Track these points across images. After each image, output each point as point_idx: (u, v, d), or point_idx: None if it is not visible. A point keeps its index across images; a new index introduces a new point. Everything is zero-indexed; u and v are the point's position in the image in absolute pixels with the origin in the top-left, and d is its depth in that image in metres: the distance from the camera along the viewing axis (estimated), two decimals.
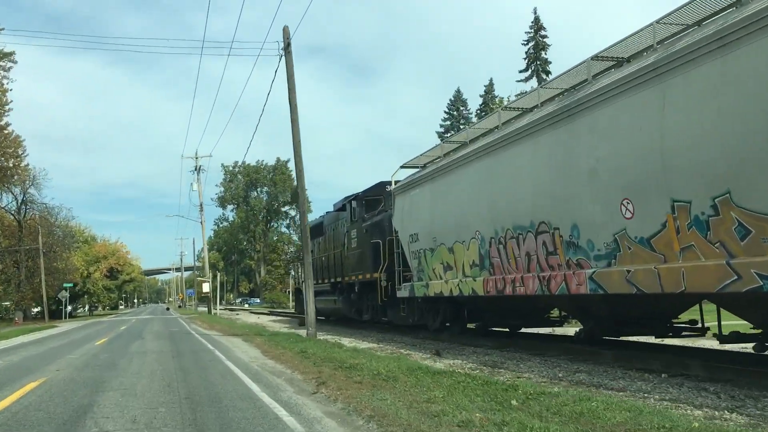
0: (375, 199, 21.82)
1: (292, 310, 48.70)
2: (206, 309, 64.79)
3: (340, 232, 26.14)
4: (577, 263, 9.47)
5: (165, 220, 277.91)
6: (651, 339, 11.18)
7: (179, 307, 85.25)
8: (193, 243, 73.21)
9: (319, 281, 28.81)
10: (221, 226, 74.64)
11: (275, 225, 73.05)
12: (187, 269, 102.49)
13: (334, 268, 25.92)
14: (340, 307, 24.98)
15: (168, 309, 72.76)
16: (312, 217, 76.02)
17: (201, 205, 45.99)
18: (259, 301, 72.40)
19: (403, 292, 17.24)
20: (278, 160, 70.30)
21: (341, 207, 24.51)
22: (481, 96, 55.54)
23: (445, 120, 57.39)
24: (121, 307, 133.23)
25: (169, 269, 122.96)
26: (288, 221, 72.71)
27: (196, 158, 45.99)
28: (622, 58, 9.33)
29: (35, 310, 53.75)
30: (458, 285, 13.63)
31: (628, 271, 8.17)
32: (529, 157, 10.63)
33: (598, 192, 8.74)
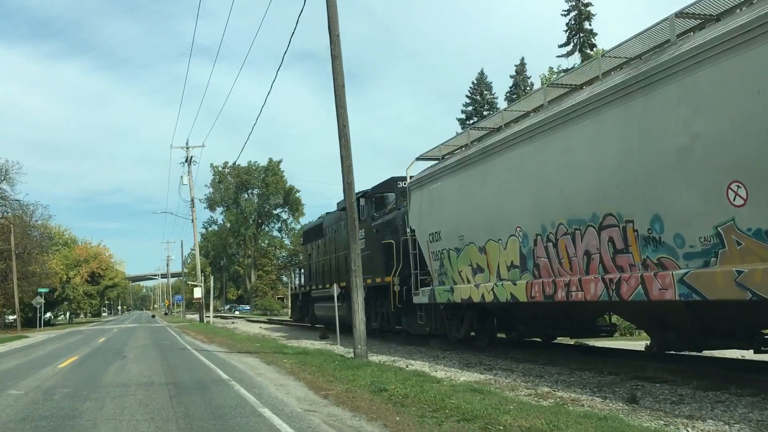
0: (385, 196, 20.33)
1: (287, 318, 47.05)
2: (196, 316, 62.76)
3: (344, 234, 24.57)
4: (658, 263, 8.00)
5: (151, 225, 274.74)
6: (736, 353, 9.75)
7: (165, 314, 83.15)
8: (181, 246, 71.00)
9: (320, 286, 27.27)
10: (210, 229, 72.69)
11: (266, 228, 71.22)
12: (173, 275, 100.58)
13: (337, 272, 24.37)
14: (344, 314, 23.41)
15: (154, 316, 70.85)
16: (304, 221, 74.55)
17: (192, 200, 42.22)
18: (248, 308, 70.59)
19: (421, 298, 15.74)
20: (270, 160, 68.37)
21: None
22: (511, 77, 50.03)
23: (466, 105, 51.76)
24: (104, 314, 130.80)
25: (155, 276, 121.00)
26: (280, 224, 71.03)
27: (187, 148, 42.06)
28: (711, 15, 7.90)
29: (11, 317, 51.26)
30: (492, 290, 12.14)
31: (739, 272, 6.70)
32: (590, 137, 9.17)
33: (692, 175, 7.28)
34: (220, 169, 66.37)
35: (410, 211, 16.37)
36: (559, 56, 45.45)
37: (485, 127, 13.77)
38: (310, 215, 73.77)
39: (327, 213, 28.75)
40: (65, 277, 56.05)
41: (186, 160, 42.16)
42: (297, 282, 34.49)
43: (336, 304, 24.45)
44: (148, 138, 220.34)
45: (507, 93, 49.83)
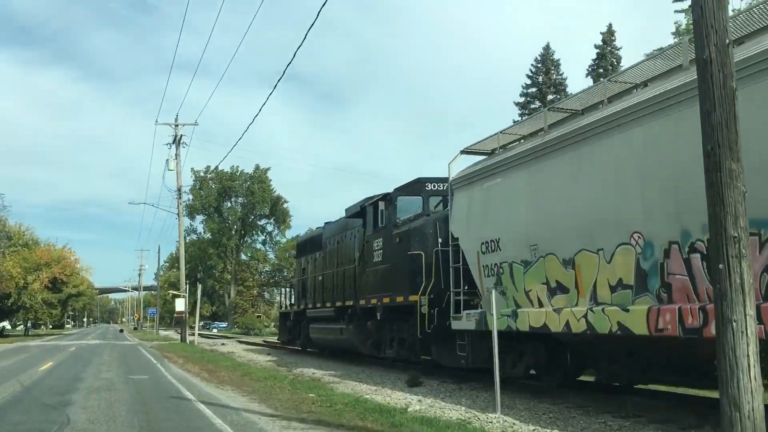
0: (411, 200, 17.51)
1: (271, 338, 43.72)
2: (171, 332, 58.43)
3: (351, 245, 21.72)
4: None
5: (122, 237, 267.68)
6: None
7: (135, 329, 79.02)
8: (158, 252, 66.14)
9: (317, 305, 24.30)
10: (189, 238, 68.94)
11: (249, 240, 67.68)
12: (145, 288, 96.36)
13: (342, 289, 21.43)
14: (349, 338, 20.43)
15: (122, 331, 66.80)
16: (290, 234, 71.17)
17: (180, 189, 36.32)
18: (225, 325, 66.90)
19: (464, 323, 12.89)
20: (257, 167, 64.83)
21: (357, 212, 20.10)
22: (597, 47, 40.62)
23: (527, 87, 43.15)
24: (68, 326, 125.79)
25: (125, 288, 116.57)
26: (264, 237, 67.47)
27: (176, 125, 35.75)
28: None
29: None
30: (585, 317, 9.33)
31: None
32: None
33: None
34: (202, 174, 63.14)
35: (453, 214, 13.59)
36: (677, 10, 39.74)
37: (566, 109, 11.09)
38: (295, 231, 70.99)
39: (327, 223, 25.87)
40: (22, 282, 51.17)
41: (174, 141, 36.31)
42: (287, 300, 31.44)
43: (340, 327, 21.59)
44: (126, 151, 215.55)
45: (589, 69, 40.92)
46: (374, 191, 21.05)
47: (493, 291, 9.15)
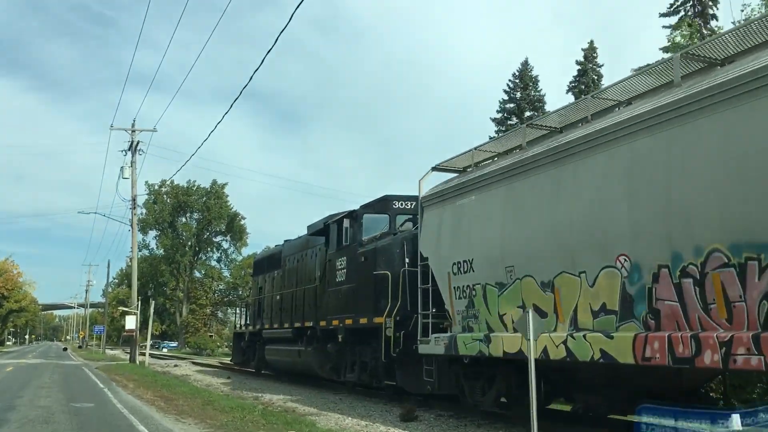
0: (377, 218, 16.97)
1: (225, 358, 42.34)
2: (118, 352, 55.95)
3: (312, 263, 21.04)
4: None
5: (69, 252, 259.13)
6: None
7: (79, 347, 76.01)
8: (108, 267, 63.28)
9: (274, 325, 23.46)
10: (140, 254, 66.71)
11: (204, 257, 65.80)
12: (92, 306, 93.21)
13: (302, 309, 20.68)
14: (308, 361, 19.66)
15: (66, 350, 64.02)
16: (247, 252, 69.60)
17: (134, 199, 33.82)
18: (176, 344, 64.74)
19: (432, 347, 12.34)
20: (214, 182, 63.09)
21: (320, 229, 19.45)
22: (579, 63, 39.11)
23: (504, 103, 41.31)
24: (9, 342, 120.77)
25: (71, 305, 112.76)
26: (220, 254, 65.64)
27: (133, 131, 33.60)
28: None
29: None
30: (564, 343, 8.88)
31: None
32: None
33: None
34: (157, 187, 61.35)
35: (423, 232, 13.08)
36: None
37: (545, 126, 10.75)
38: (252, 249, 69.39)
39: (286, 240, 25.15)
40: None
41: (130, 147, 34.12)
42: (242, 320, 30.43)
43: (298, 348, 20.78)
44: (76, 164, 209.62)
45: (571, 86, 39.42)
46: (331, 211, 20.45)
47: (530, 310, 8.36)
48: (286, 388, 20.00)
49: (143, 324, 34.63)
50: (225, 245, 64.26)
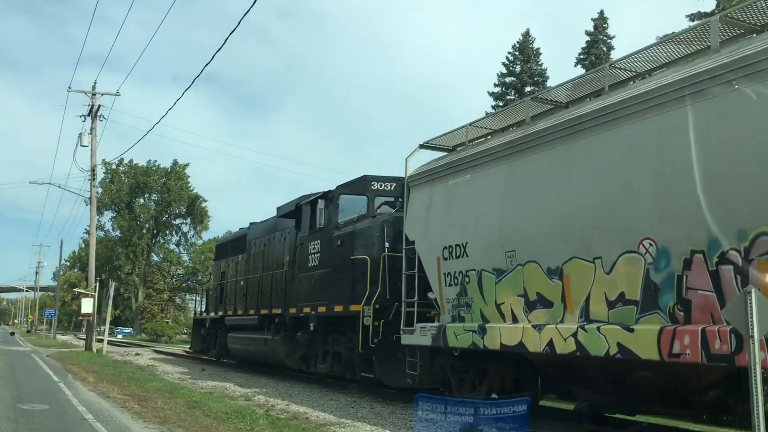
0: (355, 200, 16.00)
1: (183, 345, 40.90)
2: (69, 337, 53.65)
3: (281, 247, 19.98)
4: None
5: (18, 231, 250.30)
6: None
7: (28, 332, 73.24)
8: (60, 246, 60.28)
9: (239, 312, 22.35)
10: (95, 236, 63.98)
11: (162, 240, 63.62)
12: (42, 289, 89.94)
13: (269, 295, 19.62)
14: (274, 350, 18.61)
15: (13, 334, 61.37)
16: (208, 236, 67.60)
17: (93, 169, 30.68)
18: (130, 331, 62.67)
19: (417, 338, 11.48)
20: (175, 162, 60.87)
21: (291, 211, 18.38)
22: (588, 34, 36.72)
23: (503, 76, 38.34)
24: None
25: (20, 288, 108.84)
26: (179, 237, 63.41)
27: (93, 95, 30.31)
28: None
29: None
30: (574, 336, 8.09)
31: None
32: None
33: None
34: (114, 166, 58.95)
35: (409, 214, 12.19)
36: None
37: (549, 101, 9.94)
38: (212, 234, 67.45)
39: (252, 223, 24.00)
40: None
41: (90, 112, 30.73)
42: (202, 306, 29.17)
43: (264, 337, 19.73)
44: (27, 142, 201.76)
45: (578, 57, 36.95)
46: (292, 197, 19.33)
47: (754, 290, 5.37)
48: (278, 384, 17.25)
49: (99, 308, 32.26)
50: (185, 228, 62.45)
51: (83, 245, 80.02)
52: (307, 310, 16.32)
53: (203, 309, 28.74)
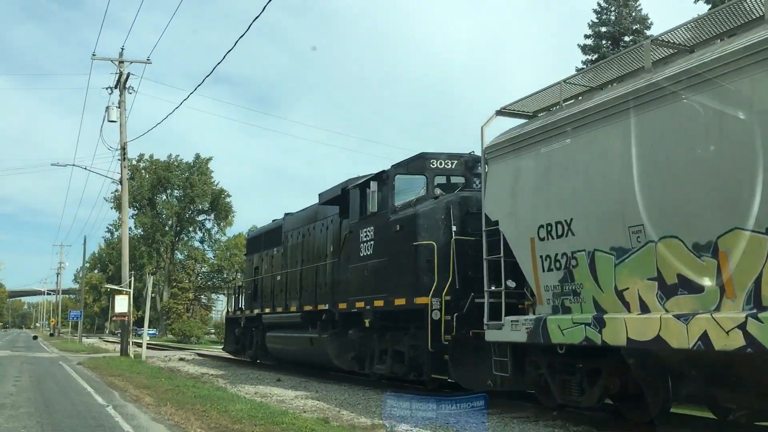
0: (411, 180, 14.44)
1: (214, 347, 39.62)
2: (94, 340, 52.29)
3: (322, 237, 18.53)
4: None
5: (37, 236, 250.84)
6: None
7: (51, 335, 72.69)
8: (84, 244, 56.69)
9: (278, 309, 20.94)
10: (116, 234, 62.54)
11: (186, 238, 62.33)
12: (63, 292, 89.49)
13: (313, 290, 18.18)
14: (322, 350, 17.14)
15: (36, 338, 60.67)
16: (232, 232, 66.20)
17: (124, 147, 26.95)
18: (155, 332, 61.75)
19: (506, 333, 9.89)
20: (197, 156, 59.37)
21: (336, 197, 16.85)
22: None
23: (595, 26, 32.82)
24: None
25: (40, 291, 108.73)
26: (203, 234, 61.98)
27: (121, 62, 26.87)
28: None
29: None
30: (742, 327, 6.45)
31: None
32: None
33: None
34: (134, 162, 57.73)
35: (490, 190, 10.61)
36: None
37: (675, 43, 8.28)
38: (234, 230, 66.03)
39: (287, 214, 22.57)
40: None
41: (117, 83, 27.23)
42: (235, 304, 27.80)
43: (310, 335, 18.25)
44: (45, 147, 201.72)
45: None
46: (308, 196, 17.91)
47: None
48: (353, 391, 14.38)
49: (147, 304, 29.01)
50: (208, 225, 61.14)
51: (104, 245, 79.34)
52: (360, 304, 14.81)
53: (236, 307, 27.41)
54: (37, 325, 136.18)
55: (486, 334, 10.41)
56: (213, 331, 59.44)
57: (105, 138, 36.75)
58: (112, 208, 56.16)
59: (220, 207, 58.70)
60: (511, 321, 9.79)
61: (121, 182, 27.76)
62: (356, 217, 15.52)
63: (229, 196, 58.94)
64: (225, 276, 63.99)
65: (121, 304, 26.62)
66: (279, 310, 20.58)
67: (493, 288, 10.42)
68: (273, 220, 25.10)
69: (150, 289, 27.51)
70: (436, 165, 14.24)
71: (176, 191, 57.74)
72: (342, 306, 15.79)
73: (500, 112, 10.96)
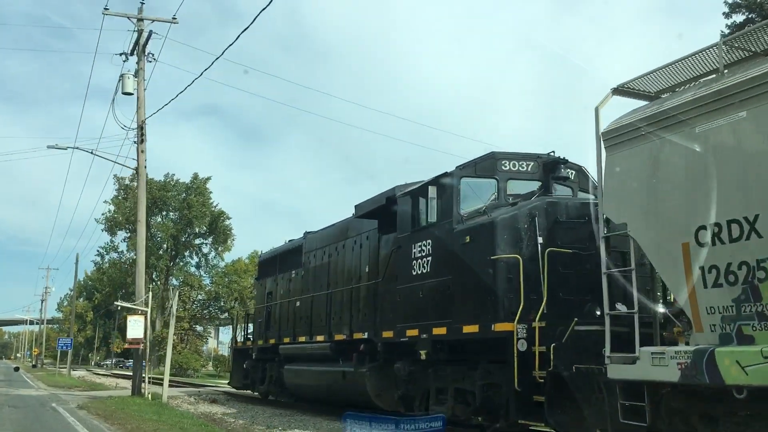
0: (479, 185, 12.30)
1: (219, 381, 36.87)
2: (84, 374, 48.41)
3: (354, 255, 16.41)
4: None
5: (19, 264, 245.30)
6: None
7: (33, 366, 69.47)
8: (76, 262, 52.05)
9: (298, 339, 18.64)
10: (107, 258, 59.60)
11: (181, 263, 59.43)
12: (42, 322, 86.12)
13: (347, 315, 15.92)
14: (358, 386, 14.80)
15: (17, 369, 57.53)
16: (230, 258, 63.20)
17: (142, 127, 22.01)
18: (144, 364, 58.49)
19: (642, 369, 7.68)
20: (195, 176, 56.74)
21: (379, 207, 14.67)
22: None
23: None
24: None
25: (24, 320, 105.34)
26: (199, 259, 58.98)
27: (140, 20, 22.03)
28: None
29: None
30: None
31: None
32: None
33: None
34: (127, 182, 55.09)
35: (610, 186, 8.50)
36: None
37: None
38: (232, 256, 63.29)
39: (308, 232, 20.46)
40: None
41: (135, 47, 22.30)
42: (242, 333, 25.38)
43: (342, 369, 15.92)
44: (31, 178, 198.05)
45: None
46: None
47: None
48: None
49: (171, 327, 22.96)
50: (205, 249, 58.34)
51: (92, 271, 76.42)
52: (412, 333, 12.60)
53: (244, 336, 25.03)
54: (18, 355, 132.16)
55: (608, 369, 8.18)
56: (212, 363, 56.73)
57: (115, 119, 28.99)
58: (103, 230, 53.65)
59: (218, 230, 56.17)
60: (652, 354, 7.59)
61: (137, 171, 23.26)
62: (407, 229, 13.37)
63: (228, 218, 56.46)
64: (222, 305, 61.30)
65: (135, 327, 20.93)
66: (301, 339, 18.28)
67: (615, 310, 8.26)
68: (288, 240, 22.90)
69: (175, 307, 21.82)
70: (509, 167, 12.17)
71: (172, 213, 55.30)
72: (387, 334, 13.56)
73: (618, 90, 8.93)
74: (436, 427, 7.20)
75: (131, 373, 24.74)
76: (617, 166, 8.39)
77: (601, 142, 8.65)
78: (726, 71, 7.53)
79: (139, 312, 21.51)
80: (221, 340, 70.10)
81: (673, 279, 7.52)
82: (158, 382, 21.81)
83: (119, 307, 36.96)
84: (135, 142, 22.35)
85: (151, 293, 22.91)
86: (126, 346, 24.15)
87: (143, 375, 21.40)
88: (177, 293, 23.71)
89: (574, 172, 12.46)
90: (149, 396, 19.86)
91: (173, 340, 29.02)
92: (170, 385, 22.02)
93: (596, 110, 8.80)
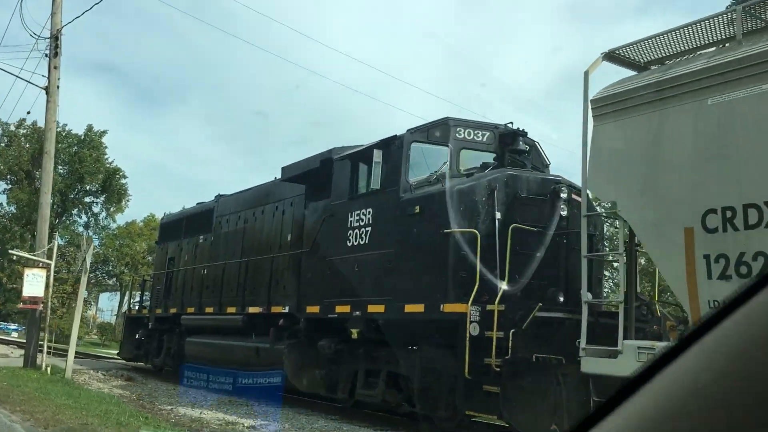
0: (431, 151, 11.23)
1: (98, 351, 34.29)
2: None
3: (275, 222, 15.09)
4: None
5: None
6: None
7: None
8: None
9: (205, 310, 17.09)
10: None
11: (68, 221, 54.63)
12: None
13: (265, 287, 14.48)
14: (274, 365, 13.48)
15: None
16: (122, 220, 59.42)
17: (56, 37, 18.34)
18: (19, 327, 54.27)
19: (620, 365, 6.92)
20: (90, 128, 52.02)
21: (312, 170, 13.34)
22: None
23: None
24: None
25: None
26: (88, 218, 54.37)
27: None
28: None
29: None
30: None
31: None
32: None
33: None
34: (13, 128, 49.76)
35: (599, 160, 7.64)
36: None
37: None
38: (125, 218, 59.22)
39: (220, 195, 18.85)
40: None
41: None
42: (136, 300, 23.42)
43: (256, 345, 14.54)
44: None
45: None
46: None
47: None
48: None
49: (82, 284, 18.74)
50: (96, 208, 54.18)
51: None
52: (343, 309, 11.48)
53: (142, 304, 23.04)
54: None
55: (582, 363, 7.39)
56: (95, 331, 53.19)
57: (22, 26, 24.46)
58: None
59: (112, 189, 52.32)
60: (638, 348, 6.82)
61: (47, 90, 18.79)
62: (343, 196, 12.16)
63: (125, 177, 52.61)
64: (110, 269, 57.62)
65: (34, 285, 17.28)
66: (209, 310, 16.71)
67: (591, 297, 7.46)
68: (197, 203, 21.09)
69: (89, 259, 18.05)
70: (463, 135, 11.17)
71: (61, 167, 50.92)
72: (312, 309, 12.37)
73: (608, 55, 8.07)
74: (275, 382, 6.78)
75: (11, 338, 21.64)
76: (607, 137, 7.54)
77: (589, 109, 7.76)
78: (743, 38, 6.77)
79: (41, 265, 17.95)
80: (101, 307, 65.96)
81: (670, 267, 6.75)
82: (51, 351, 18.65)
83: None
84: (47, 55, 18.78)
85: (56, 242, 19.61)
86: (21, 306, 19.37)
87: (40, 343, 17.74)
88: (92, 245, 20.89)
89: (528, 147, 11.65)
90: (48, 370, 16.51)
91: (53, 305, 25.84)
92: (61, 356, 19.45)
93: (585, 74, 7.92)
